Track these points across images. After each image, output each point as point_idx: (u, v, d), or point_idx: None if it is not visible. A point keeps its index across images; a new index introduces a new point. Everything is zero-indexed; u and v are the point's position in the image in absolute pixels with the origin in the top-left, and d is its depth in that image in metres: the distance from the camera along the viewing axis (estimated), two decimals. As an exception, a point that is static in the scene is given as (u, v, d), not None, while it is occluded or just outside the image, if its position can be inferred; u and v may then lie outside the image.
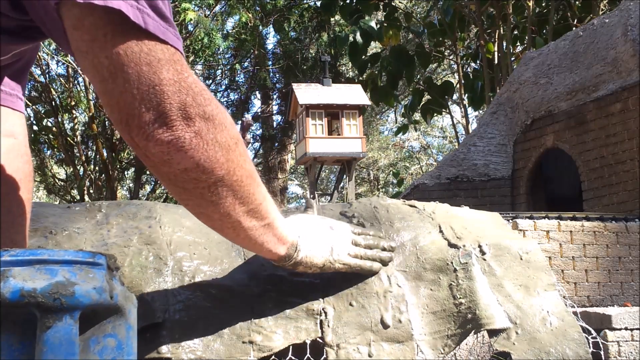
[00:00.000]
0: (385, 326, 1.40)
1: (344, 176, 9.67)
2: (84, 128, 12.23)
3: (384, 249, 1.46)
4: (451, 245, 1.56)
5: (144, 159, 0.99)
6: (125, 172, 13.56)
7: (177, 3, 9.87)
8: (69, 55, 11.29)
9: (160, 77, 0.92)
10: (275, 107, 15.06)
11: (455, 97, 13.09)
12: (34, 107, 11.60)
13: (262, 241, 1.19)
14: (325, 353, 1.35)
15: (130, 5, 0.89)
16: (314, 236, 1.32)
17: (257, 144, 14.90)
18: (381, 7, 11.05)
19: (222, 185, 1.03)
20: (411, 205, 1.70)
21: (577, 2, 9.36)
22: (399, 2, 13.42)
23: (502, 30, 9.50)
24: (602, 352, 1.77)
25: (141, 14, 0.90)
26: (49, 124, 11.98)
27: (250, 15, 11.72)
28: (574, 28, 7.53)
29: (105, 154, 11.54)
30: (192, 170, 0.99)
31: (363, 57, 10.78)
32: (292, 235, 1.25)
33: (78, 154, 12.08)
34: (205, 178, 1.01)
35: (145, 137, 0.94)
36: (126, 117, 0.93)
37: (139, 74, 0.91)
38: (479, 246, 1.58)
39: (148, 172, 12.72)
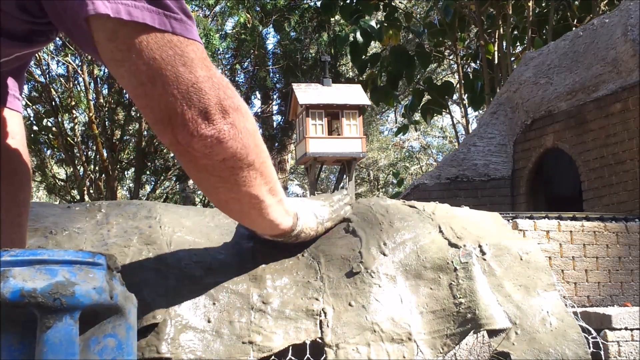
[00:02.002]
0: (384, 326, 1.40)
1: (344, 176, 9.67)
2: (84, 128, 12.22)
3: (346, 204, 1.61)
4: (451, 245, 1.56)
5: (183, 156, 1.04)
6: (125, 172, 13.55)
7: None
8: (69, 56, 11.26)
9: (196, 76, 0.97)
10: (275, 107, 15.06)
11: (455, 97, 13.09)
12: (34, 107, 11.59)
13: (276, 216, 1.27)
14: (324, 353, 1.35)
15: (156, 14, 0.94)
16: (301, 207, 1.43)
17: (257, 144, 14.84)
18: (381, 7, 11.05)
19: (253, 168, 1.11)
20: (411, 206, 1.70)
21: (576, 2, 9.36)
22: (399, 2, 13.42)
23: (502, 31, 9.50)
24: (602, 352, 1.77)
25: (167, 19, 0.95)
26: (49, 124, 11.97)
27: (249, 15, 11.71)
28: (573, 28, 7.53)
29: (105, 154, 11.54)
30: (230, 159, 1.06)
31: (363, 57, 10.77)
32: (292, 207, 1.35)
33: (78, 154, 12.07)
34: (240, 165, 1.08)
35: (190, 134, 0.99)
36: (168, 117, 0.98)
37: (176, 75, 0.96)
38: (479, 246, 1.58)
39: (148, 172, 12.72)
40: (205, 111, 0.99)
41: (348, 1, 11.02)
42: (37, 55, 11.00)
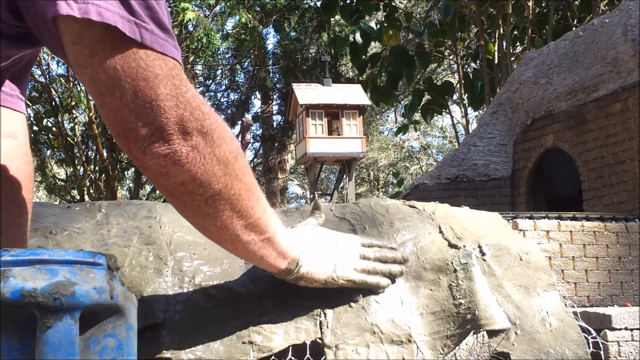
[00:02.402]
0: (384, 327, 1.40)
1: (344, 176, 9.67)
2: (84, 128, 12.23)
3: (394, 261, 1.41)
4: (451, 246, 1.56)
5: (143, 170, 1.00)
6: (125, 172, 13.55)
7: (176, 3, 9.87)
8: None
9: (157, 93, 0.92)
10: (275, 107, 15.06)
11: (455, 97, 13.09)
12: (34, 107, 11.60)
13: (262, 255, 1.18)
14: (324, 354, 1.35)
15: (127, 20, 0.90)
16: (317, 252, 1.29)
17: (257, 144, 14.90)
18: (381, 7, 11.05)
19: (219, 198, 1.03)
20: (411, 206, 1.70)
21: (576, 2, 9.36)
22: (399, 2, 13.42)
23: (502, 31, 9.50)
24: (602, 352, 1.77)
25: (139, 28, 0.90)
26: (49, 124, 11.98)
27: (249, 15, 11.72)
28: (573, 28, 7.53)
29: (105, 154, 11.54)
30: (188, 183, 0.99)
31: (363, 57, 10.78)
32: (293, 250, 1.24)
33: (78, 154, 12.07)
34: (202, 191, 1.01)
35: (142, 150, 0.94)
36: (124, 130, 0.94)
37: (135, 89, 0.91)
38: (479, 246, 1.58)
39: (148, 172, 12.71)
40: (161, 129, 0.93)
41: (348, 1, 11.02)
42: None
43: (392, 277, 1.41)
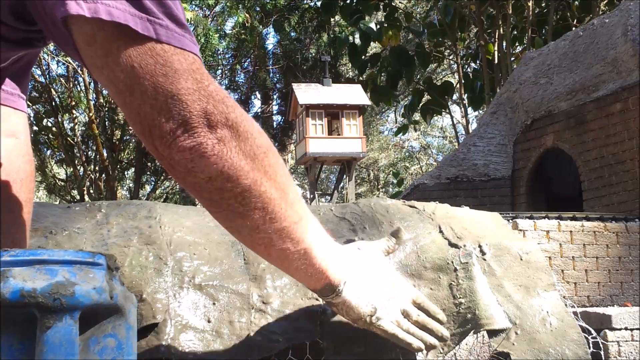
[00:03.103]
0: (385, 326, 1.40)
1: (344, 176, 9.67)
2: (84, 128, 12.23)
3: (433, 333, 1.27)
4: (451, 245, 1.56)
5: (170, 169, 0.97)
6: (125, 172, 13.56)
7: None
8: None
9: (178, 87, 0.91)
10: (275, 107, 15.07)
11: (455, 97, 13.09)
12: (34, 107, 11.60)
13: (296, 267, 1.10)
14: (324, 353, 1.35)
15: (139, 18, 0.88)
16: (364, 287, 1.18)
17: (257, 144, 14.84)
18: (381, 7, 11.05)
19: (249, 195, 0.99)
20: (411, 206, 1.70)
21: (576, 2, 9.36)
22: (399, 2, 13.42)
23: (502, 31, 9.50)
24: (602, 352, 1.77)
25: (152, 25, 0.89)
26: (49, 124, 11.98)
27: (248, 15, 11.72)
28: (573, 28, 7.53)
29: (105, 154, 11.54)
30: (216, 179, 0.96)
31: (363, 57, 10.79)
32: (336, 274, 1.14)
33: (78, 154, 12.08)
34: (230, 187, 0.98)
35: (168, 145, 0.93)
36: (148, 128, 0.92)
37: (155, 85, 0.90)
38: (479, 246, 1.58)
39: (148, 173, 12.72)
40: (186, 123, 0.92)
41: (348, 1, 11.02)
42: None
43: (425, 344, 1.25)
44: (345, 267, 1.17)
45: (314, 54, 13.43)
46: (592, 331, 1.69)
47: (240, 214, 1.01)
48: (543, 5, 9.89)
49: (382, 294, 1.22)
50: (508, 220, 2.74)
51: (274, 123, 15.12)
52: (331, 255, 1.14)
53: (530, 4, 9.02)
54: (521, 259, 1.60)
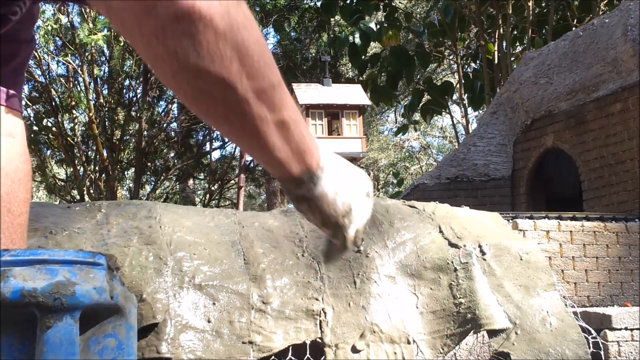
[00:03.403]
0: (383, 326, 1.40)
1: (344, 176, 9.66)
2: (84, 128, 12.23)
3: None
4: (451, 245, 1.56)
5: (163, 41, 0.85)
6: (125, 172, 13.56)
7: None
8: (69, 56, 11.22)
9: None
10: (275, 107, 15.03)
11: (455, 97, 13.10)
12: (34, 107, 11.60)
13: (273, 144, 0.94)
14: (324, 353, 1.35)
15: None
16: (340, 181, 1.02)
17: (257, 144, 14.84)
18: (381, 7, 11.05)
19: (222, 39, 0.87)
20: (411, 206, 1.70)
21: (576, 2, 9.36)
22: (399, 2, 13.42)
23: (502, 31, 9.51)
24: (602, 352, 1.77)
25: None
26: (49, 124, 11.98)
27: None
28: (573, 28, 7.53)
29: (105, 154, 11.54)
30: (184, 17, 0.88)
31: (363, 57, 10.79)
32: (318, 156, 0.98)
33: (78, 154, 12.08)
34: (201, 28, 0.82)
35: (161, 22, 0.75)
36: (136, 23, 0.82)
37: None
38: (479, 246, 1.58)
39: (148, 172, 12.73)
40: None
41: (348, 1, 11.03)
42: (37, 55, 11.00)
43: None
44: (322, 152, 1.03)
45: (314, 54, 13.43)
46: (592, 331, 1.69)
47: (212, 60, 0.85)
48: (543, 5, 9.90)
49: (355, 195, 1.08)
50: (508, 220, 2.74)
51: (274, 123, 15.09)
52: (310, 135, 1.00)
53: (530, 4, 9.02)
54: (521, 259, 1.60)
